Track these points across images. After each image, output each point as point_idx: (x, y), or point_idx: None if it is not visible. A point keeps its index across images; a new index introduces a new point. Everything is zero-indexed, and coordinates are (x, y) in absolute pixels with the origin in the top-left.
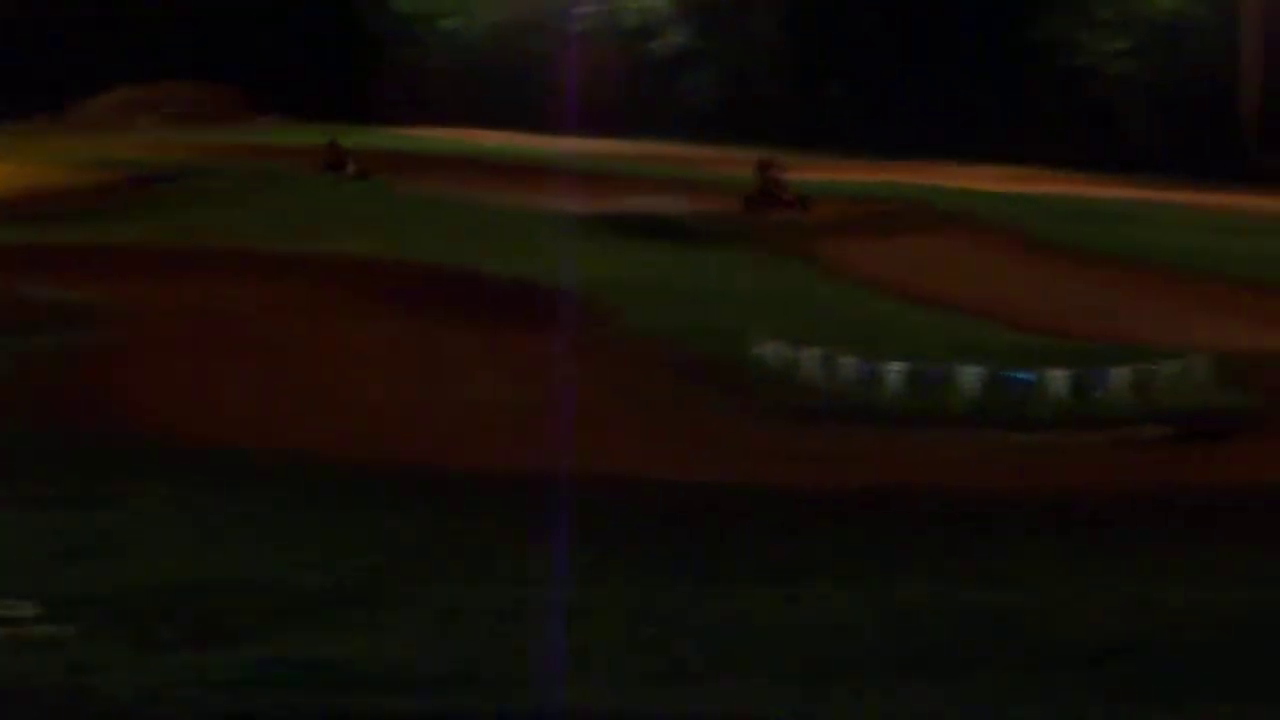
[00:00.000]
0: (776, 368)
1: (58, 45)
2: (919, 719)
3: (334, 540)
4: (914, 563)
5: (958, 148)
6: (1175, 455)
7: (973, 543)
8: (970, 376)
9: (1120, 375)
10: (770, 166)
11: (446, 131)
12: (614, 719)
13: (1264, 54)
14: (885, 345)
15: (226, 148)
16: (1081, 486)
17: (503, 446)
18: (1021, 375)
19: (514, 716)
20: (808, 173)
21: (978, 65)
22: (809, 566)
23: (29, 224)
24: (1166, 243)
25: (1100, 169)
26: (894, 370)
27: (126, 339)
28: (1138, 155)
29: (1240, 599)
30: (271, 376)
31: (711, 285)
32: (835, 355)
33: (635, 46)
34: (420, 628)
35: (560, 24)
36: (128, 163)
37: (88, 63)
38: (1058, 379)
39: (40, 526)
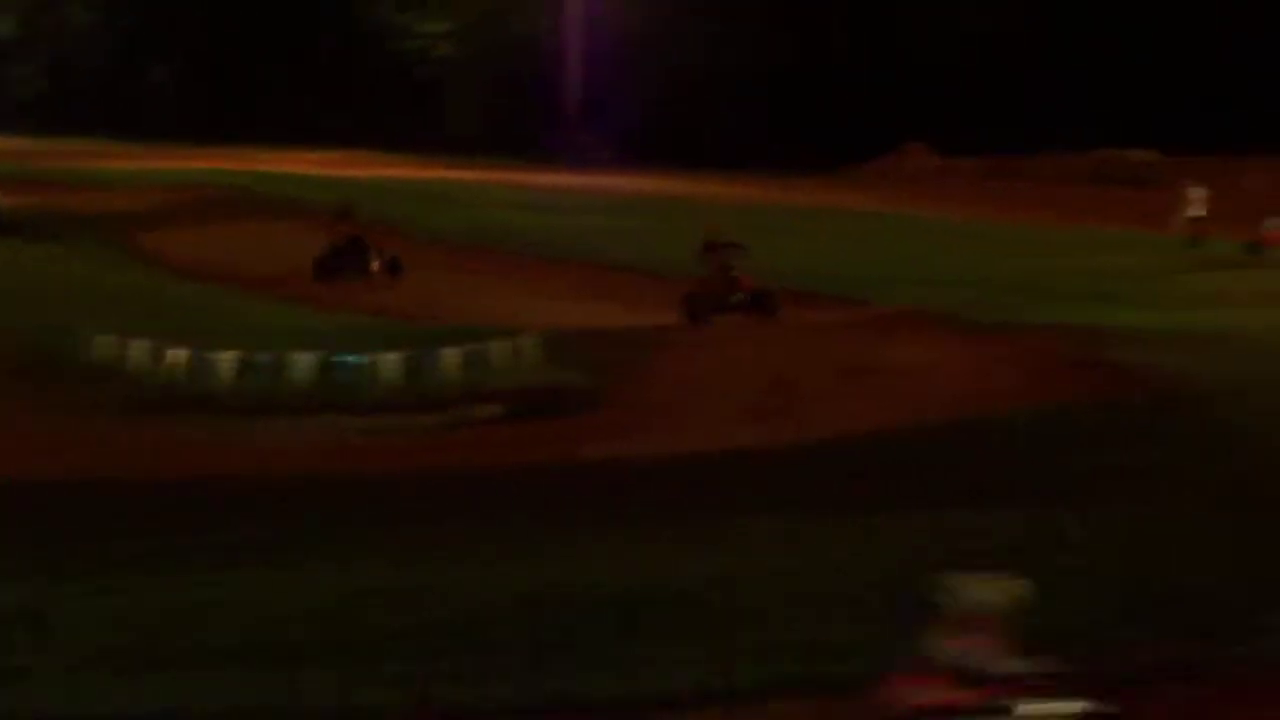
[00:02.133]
0: (105, 361)
1: None
2: (243, 708)
3: None
4: (239, 551)
5: (282, 133)
6: (505, 434)
7: (300, 531)
8: (302, 363)
9: (451, 356)
10: (718, 248)
11: None
12: None
13: (584, 36)
14: (217, 335)
15: None
16: (413, 468)
17: None
18: (352, 359)
19: None
20: (133, 161)
21: (305, 51)
22: (134, 558)
23: None
24: (495, 222)
25: (428, 151)
26: (225, 359)
27: None
28: (464, 136)
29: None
30: None
31: (34, 280)
32: (164, 346)
33: None
34: None
35: None
36: None
37: None
38: (390, 362)
39: None
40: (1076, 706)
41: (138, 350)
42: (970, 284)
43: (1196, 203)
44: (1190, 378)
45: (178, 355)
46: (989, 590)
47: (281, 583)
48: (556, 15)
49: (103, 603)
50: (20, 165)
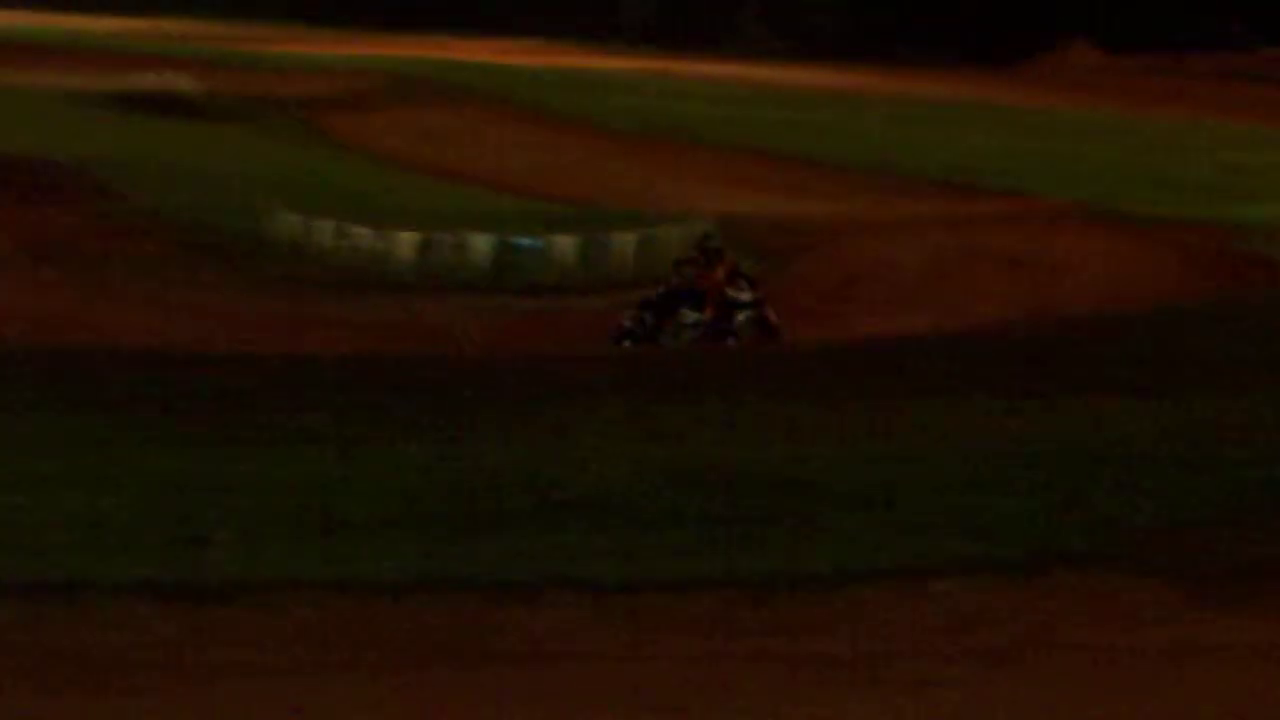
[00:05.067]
0: (289, 240)
1: None
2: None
3: None
4: (420, 423)
5: (455, 21)
6: None
7: (477, 406)
8: (481, 244)
9: (625, 240)
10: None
11: None
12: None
13: None
14: (397, 215)
15: None
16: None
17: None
18: (528, 242)
19: (35, 586)
20: (309, 46)
21: None
22: (319, 430)
23: None
24: (668, 111)
25: (599, 40)
26: (405, 240)
27: None
28: (634, 26)
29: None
30: None
31: (223, 161)
32: (347, 226)
33: None
34: None
35: None
36: None
37: None
38: (565, 246)
39: None
40: None
41: (320, 230)
42: (1124, 179)
43: None
44: None
45: (360, 234)
46: None
47: (432, 457)
48: None
49: (272, 471)
50: (204, 49)
